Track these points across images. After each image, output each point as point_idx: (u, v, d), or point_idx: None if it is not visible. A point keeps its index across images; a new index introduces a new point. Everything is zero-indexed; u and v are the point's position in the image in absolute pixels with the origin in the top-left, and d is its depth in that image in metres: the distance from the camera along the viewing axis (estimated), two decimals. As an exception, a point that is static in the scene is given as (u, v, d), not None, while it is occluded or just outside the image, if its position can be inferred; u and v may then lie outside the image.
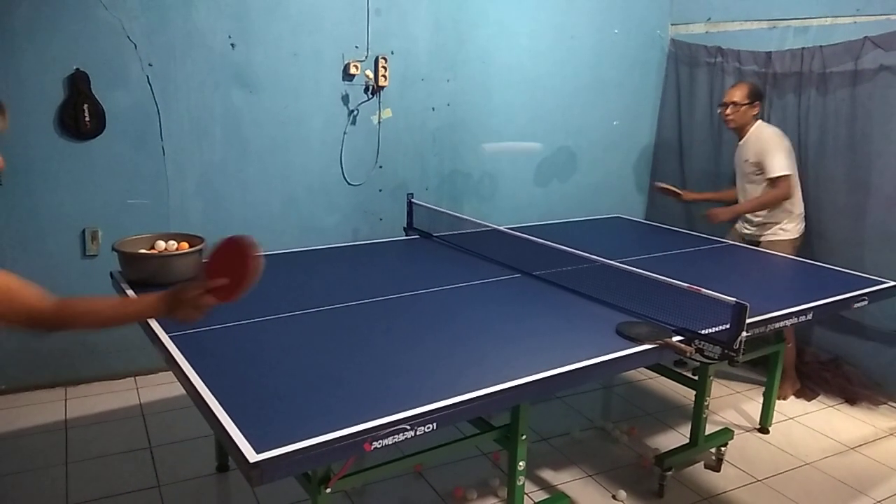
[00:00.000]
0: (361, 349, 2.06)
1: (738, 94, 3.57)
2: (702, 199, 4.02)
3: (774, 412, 3.33)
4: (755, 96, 3.58)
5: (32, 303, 1.47)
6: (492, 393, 1.76)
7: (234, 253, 1.63)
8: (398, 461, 2.00)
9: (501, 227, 3.29)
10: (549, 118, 4.52)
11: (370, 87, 3.89)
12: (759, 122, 3.62)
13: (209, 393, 1.67)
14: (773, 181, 3.47)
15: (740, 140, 3.66)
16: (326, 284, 2.70)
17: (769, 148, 3.49)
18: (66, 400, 3.35)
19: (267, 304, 2.36)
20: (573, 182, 4.72)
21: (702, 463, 2.97)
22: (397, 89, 3.98)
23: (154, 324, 2.08)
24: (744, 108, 3.56)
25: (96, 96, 3.25)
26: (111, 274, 2.63)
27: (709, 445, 2.91)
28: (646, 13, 4.67)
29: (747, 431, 3.29)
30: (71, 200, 3.31)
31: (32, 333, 1.53)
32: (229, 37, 3.48)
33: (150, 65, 3.34)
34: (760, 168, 3.52)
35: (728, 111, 3.60)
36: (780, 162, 3.46)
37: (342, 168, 3.94)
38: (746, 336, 2.07)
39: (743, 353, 2.08)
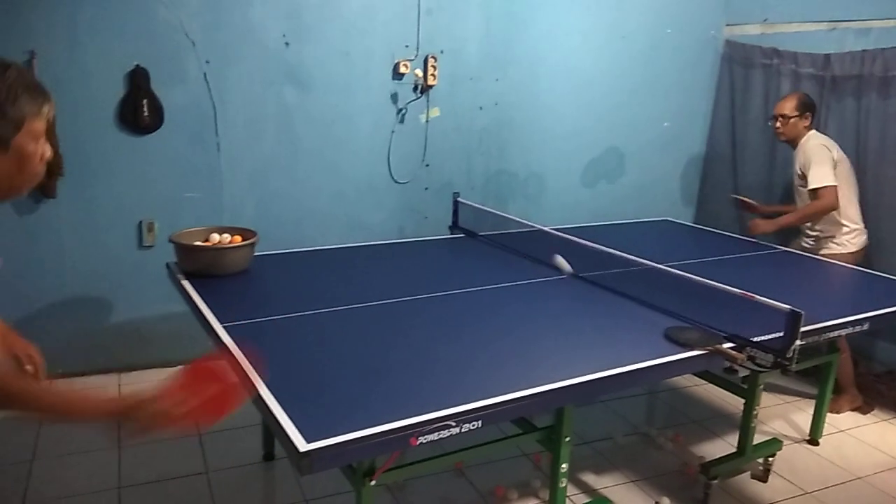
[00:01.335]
0: (408, 345, 2.08)
1: (788, 107, 3.50)
2: (781, 212, 3.75)
3: (825, 424, 3.24)
4: (805, 108, 3.49)
5: None
6: (538, 393, 1.76)
7: (204, 374, 1.33)
8: (441, 457, 2.02)
9: (547, 228, 3.27)
10: (598, 118, 4.48)
11: (419, 87, 3.92)
12: (812, 132, 3.52)
13: (262, 383, 1.71)
14: (815, 192, 3.38)
15: (795, 151, 3.58)
16: (374, 281, 2.73)
17: (812, 159, 3.40)
18: (119, 385, 3.46)
19: (316, 298, 2.41)
20: (621, 184, 4.67)
21: (748, 473, 2.91)
22: (446, 88, 3.99)
23: (208, 314, 2.15)
24: (793, 120, 3.48)
25: (155, 92, 3.34)
26: (167, 265, 2.71)
27: (756, 455, 2.85)
28: (700, 13, 4.59)
29: (796, 442, 3.21)
30: (129, 193, 3.42)
31: None
32: (283, 35, 3.55)
33: (207, 62, 3.43)
34: (805, 179, 3.44)
35: (777, 124, 3.53)
36: (821, 173, 3.36)
37: (389, 166, 3.98)
38: (800, 345, 2.03)
39: (796, 363, 2.03)
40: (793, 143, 3.55)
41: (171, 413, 1.26)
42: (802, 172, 3.45)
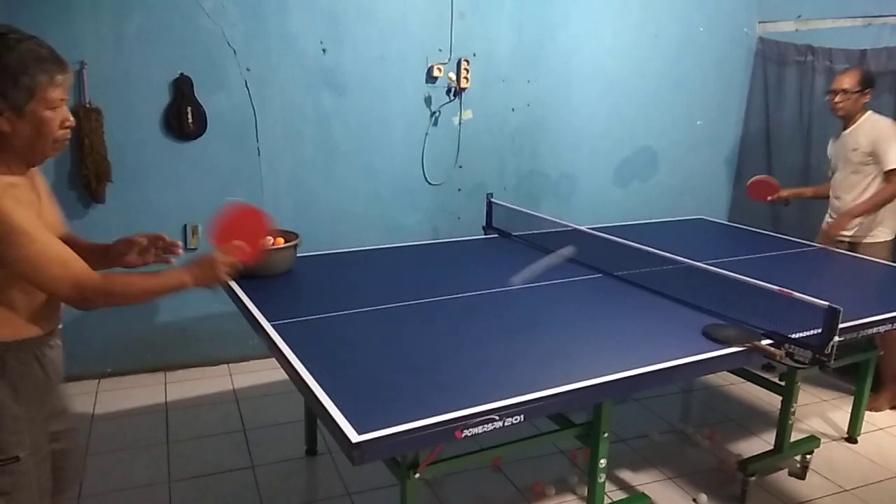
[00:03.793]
0: (449, 343, 2.13)
1: (849, 81, 3.35)
2: (799, 196, 3.79)
3: (863, 422, 3.23)
4: (867, 83, 3.35)
5: (83, 272, 1.53)
6: (579, 389, 1.80)
7: (239, 219, 1.88)
8: (481, 452, 2.07)
9: (582, 227, 3.30)
10: (630, 118, 4.50)
11: (452, 89, 3.98)
12: (870, 111, 3.41)
13: (312, 378, 1.78)
14: (891, 173, 3.27)
15: (845, 129, 3.45)
16: (413, 280, 2.79)
17: (887, 136, 3.28)
18: (165, 384, 3.58)
19: (358, 297, 2.48)
20: (654, 183, 4.68)
21: (786, 470, 2.91)
22: (478, 91, 4.05)
23: (257, 314, 2.23)
24: (854, 95, 3.34)
25: (199, 99, 3.45)
26: (213, 266, 2.80)
27: (794, 452, 2.86)
28: (732, 10, 4.58)
29: (834, 440, 3.20)
30: (174, 197, 3.53)
31: (78, 305, 1.56)
32: (321, 42, 3.64)
33: (247, 69, 3.53)
34: (874, 158, 3.32)
35: (837, 98, 3.38)
36: None
37: (423, 168, 4.04)
38: (838, 341, 2.04)
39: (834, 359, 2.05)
40: (848, 119, 3.42)
41: (224, 259, 1.71)
42: (872, 150, 3.32)
